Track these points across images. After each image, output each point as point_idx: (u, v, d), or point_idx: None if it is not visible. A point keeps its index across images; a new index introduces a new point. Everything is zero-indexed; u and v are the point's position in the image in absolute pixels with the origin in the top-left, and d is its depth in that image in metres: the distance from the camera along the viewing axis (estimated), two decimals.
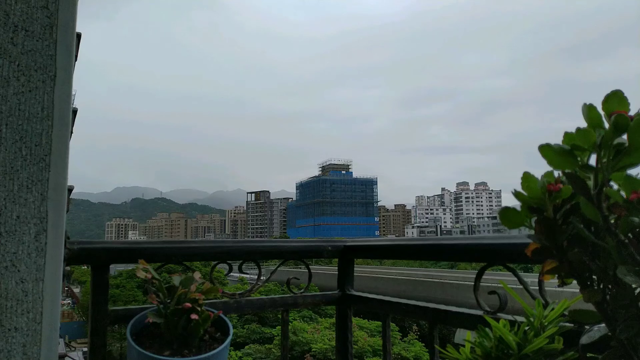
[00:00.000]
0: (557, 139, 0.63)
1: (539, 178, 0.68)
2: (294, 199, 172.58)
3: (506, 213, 0.70)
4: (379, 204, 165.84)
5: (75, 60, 1.08)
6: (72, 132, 1.16)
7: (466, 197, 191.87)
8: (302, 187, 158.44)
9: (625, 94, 0.60)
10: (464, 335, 0.85)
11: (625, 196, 0.61)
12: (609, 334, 0.64)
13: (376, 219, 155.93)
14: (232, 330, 1.23)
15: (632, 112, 0.60)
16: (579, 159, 0.63)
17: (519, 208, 0.69)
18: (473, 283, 1.34)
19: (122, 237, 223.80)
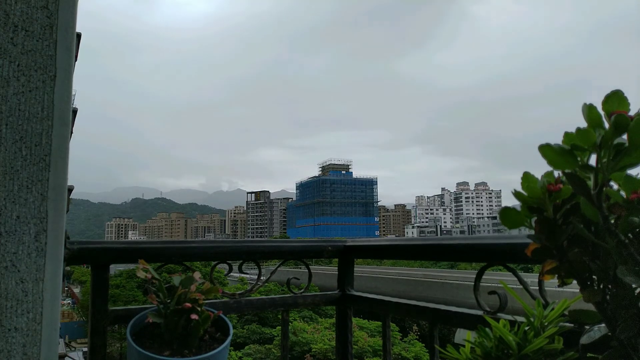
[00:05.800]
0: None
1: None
2: (294, 199, 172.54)
3: (506, 213, 0.70)
4: (379, 203, 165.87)
5: (75, 60, 1.08)
6: (72, 132, 1.16)
7: (466, 197, 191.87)
8: (302, 187, 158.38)
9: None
10: (464, 335, 0.85)
11: (625, 196, 0.61)
12: (609, 334, 0.64)
13: (376, 219, 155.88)
14: (232, 330, 1.23)
15: (632, 112, 0.60)
16: (579, 159, 0.64)
17: (519, 208, 0.69)
18: (473, 283, 1.34)
19: (122, 237, 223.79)
